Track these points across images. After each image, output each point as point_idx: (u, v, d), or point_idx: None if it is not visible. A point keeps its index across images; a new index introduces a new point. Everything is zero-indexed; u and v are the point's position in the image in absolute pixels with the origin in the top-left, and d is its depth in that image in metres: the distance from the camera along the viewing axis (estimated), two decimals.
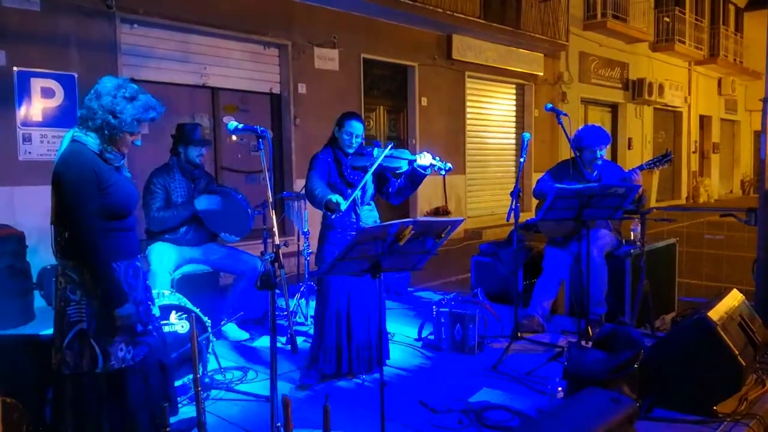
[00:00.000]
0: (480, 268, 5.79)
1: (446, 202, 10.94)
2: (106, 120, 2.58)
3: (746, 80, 22.19)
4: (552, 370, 3.82)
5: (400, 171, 3.84)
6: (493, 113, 12.74)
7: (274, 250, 2.53)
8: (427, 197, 10.63)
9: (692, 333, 3.25)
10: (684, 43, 17.81)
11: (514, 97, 13.23)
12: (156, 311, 3.00)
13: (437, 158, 3.77)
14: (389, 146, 3.79)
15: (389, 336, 4.62)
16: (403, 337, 4.70)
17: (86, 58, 6.60)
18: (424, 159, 3.75)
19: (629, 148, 16.48)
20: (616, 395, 2.63)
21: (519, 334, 4.28)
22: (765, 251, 4.59)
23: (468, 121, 11.82)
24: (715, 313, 3.27)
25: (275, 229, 2.60)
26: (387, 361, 4.02)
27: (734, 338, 3.23)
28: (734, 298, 3.58)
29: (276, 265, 2.50)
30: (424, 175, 3.80)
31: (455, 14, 10.53)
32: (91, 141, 2.61)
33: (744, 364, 3.16)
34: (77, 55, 6.55)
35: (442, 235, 2.71)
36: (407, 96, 10.73)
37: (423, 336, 4.63)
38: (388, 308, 5.34)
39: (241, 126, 2.82)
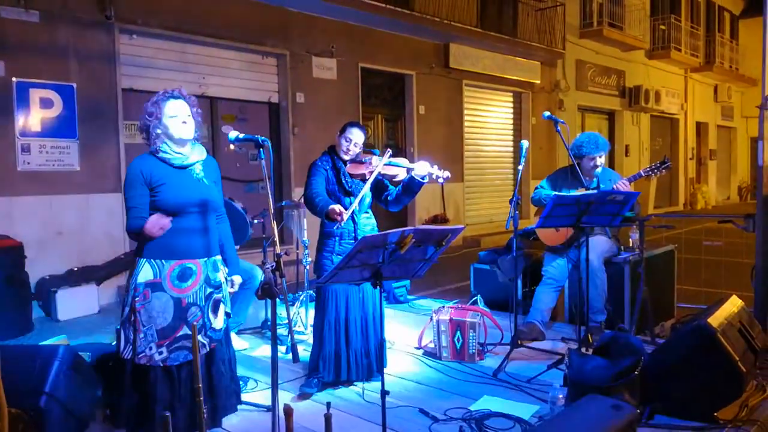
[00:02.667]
0: (479, 275, 5.79)
1: (444, 210, 10.96)
2: (149, 122, 2.91)
3: (742, 87, 22.30)
4: (552, 377, 3.81)
5: (398, 179, 3.85)
6: (490, 121, 12.78)
7: (275, 259, 2.53)
8: (425, 205, 10.64)
9: (692, 339, 3.25)
10: (680, 50, 17.90)
11: (512, 105, 13.28)
12: (218, 323, 3.04)
13: (435, 167, 3.79)
14: (388, 154, 3.80)
15: (389, 344, 4.62)
16: (403, 345, 4.69)
17: (85, 69, 6.62)
18: (422, 168, 3.76)
19: (626, 155, 16.53)
20: (617, 402, 2.63)
21: (519, 342, 4.27)
22: (763, 257, 4.59)
23: (466, 129, 11.85)
24: (715, 320, 3.27)
25: (276, 238, 2.60)
26: (385, 369, 4.02)
27: (734, 344, 3.23)
28: (733, 305, 3.59)
29: (277, 274, 2.51)
30: (422, 184, 3.81)
31: (452, 23, 10.59)
32: (151, 147, 2.95)
33: (744, 370, 3.16)
34: (76, 65, 6.57)
35: (443, 243, 2.72)
36: (405, 104, 10.77)
37: (423, 344, 4.63)
38: (388, 316, 5.34)
39: (241, 136, 2.84)
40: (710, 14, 20.70)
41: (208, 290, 2.95)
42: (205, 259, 2.94)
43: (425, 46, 10.79)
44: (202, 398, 2.40)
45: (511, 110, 13.30)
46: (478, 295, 5.33)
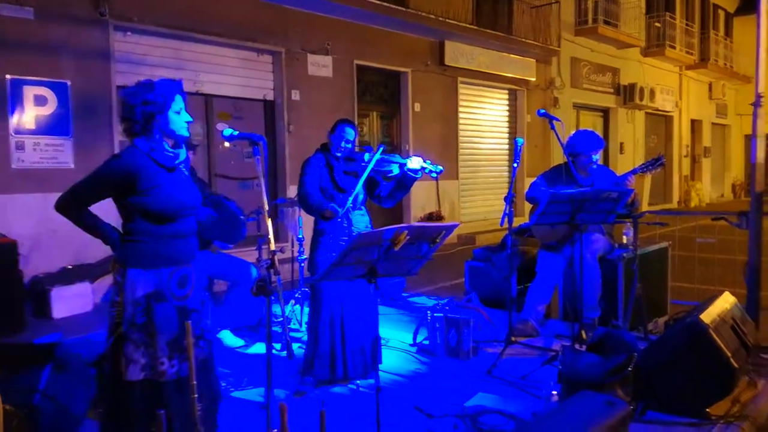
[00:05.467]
0: (474, 273, 5.80)
1: (439, 208, 10.96)
2: (143, 109, 2.52)
3: (736, 84, 22.36)
4: (546, 373, 3.83)
5: (391, 174, 3.85)
6: (485, 119, 12.80)
7: (270, 256, 2.53)
8: (420, 203, 10.65)
9: (685, 336, 3.27)
10: (674, 48, 17.95)
11: (507, 102, 13.30)
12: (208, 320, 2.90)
13: (428, 161, 3.79)
14: (380, 149, 3.80)
15: (383, 341, 4.63)
16: (398, 343, 4.70)
17: (79, 66, 6.60)
18: (415, 162, 3.77)
19: (621, 153, 16.57)
20: (610, 398, 2.65)
21: (513, 339, 4.28)
22: (756, 254, 4.63)
23: (461, 127, 11.86)
24: (708, 316, 3.29)
25: (271, 235, 2.60)
26: (380, 366, 4.02)
27: (726, 341, 3.25)
28: (726, 301, 3.61)
29: (272, 271, 2.51)
30: (415, 178, 3.81)
31: (447, 20, 10.59)
32: (141, 143, 2.56)
33: (736, 366, 3.18)
34: (70, 62, 6.55)
35: (437, 240, 2.72)
36: (400, 102, 10.77)
37: (418, 341, 4.64)
38: (383, 313, 5.35)
39: (236, 133, 2.82)
40: (705, 12, 20.75)
41: (202, 292, 2.84)
42: (195, 261, 2.76)
43: (420, 44, 10.79)
44: (196, 395, 2.40)
45: (507, 108, 13.31)
46: (473, 293, 5.35)
